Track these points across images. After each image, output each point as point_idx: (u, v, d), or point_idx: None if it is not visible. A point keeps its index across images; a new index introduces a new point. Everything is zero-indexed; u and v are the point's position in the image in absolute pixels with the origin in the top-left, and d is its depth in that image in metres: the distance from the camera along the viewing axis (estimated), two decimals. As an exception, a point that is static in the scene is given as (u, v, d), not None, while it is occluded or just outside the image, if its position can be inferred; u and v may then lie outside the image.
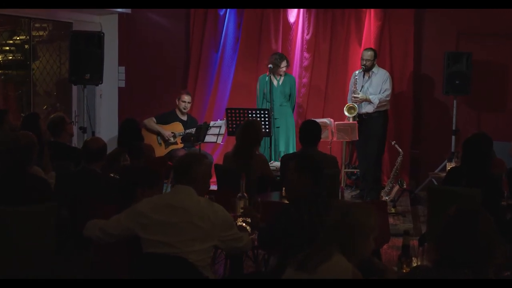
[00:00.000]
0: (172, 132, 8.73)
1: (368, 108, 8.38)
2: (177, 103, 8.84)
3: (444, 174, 6.69)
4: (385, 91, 8.35)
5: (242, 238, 3.93)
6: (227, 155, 6.24)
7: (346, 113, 8.43)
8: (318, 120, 8.30)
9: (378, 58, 8.81)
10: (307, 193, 3.99)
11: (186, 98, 8.85)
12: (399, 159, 8.31)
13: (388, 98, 8.38)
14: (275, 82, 8.65)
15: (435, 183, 8.27)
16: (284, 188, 5.34)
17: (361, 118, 8.43)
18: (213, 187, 8.37)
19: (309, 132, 6.17)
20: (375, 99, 8.27)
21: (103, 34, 8.32)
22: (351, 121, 8.46)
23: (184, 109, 8.83)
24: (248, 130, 6.10)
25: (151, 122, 8.79)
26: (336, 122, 8.39)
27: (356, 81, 8.41)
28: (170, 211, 3.76)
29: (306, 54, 9.45)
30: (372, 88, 8.38)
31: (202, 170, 3.92)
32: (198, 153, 4.16)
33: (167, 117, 8.87)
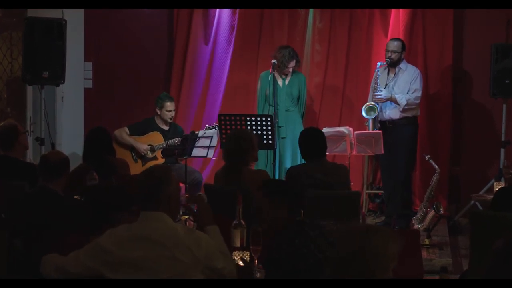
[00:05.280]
0: (149, 145, 8.74)
1: (392, 113, 8.40)
2: (159, 113, 8.83)
3: (491, 197, 6.70)
4: (414, 91, 8.36)
5: (232, 273, 3.94)
6: (219, 174, 6.28)
7: (364, 115, 8.43)
8: (334, 129, 8.42)
9: (409, 51, 8.84)
10: (285, 224, 4.15)
11: (170, 105, 8.81)
12: (434, 178, 8.32)
13: (417, 101, 8.39)
14: (280, 82, 8.67)
15: (480, 207, 8.28)
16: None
17: (385, 127, 8.44)
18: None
19: (313, 141, 6.29)
20: (402, 99, 8.28)
21: (65, 21, 8.33)
22: (370, 125, 8.44)
23: (171, 119, 8.83)
24: (238, 141, 6.14)
25: (123, 133, 8.78)
26: (356, 132, 8.41)
27: (378, 75, 8.44)
28: (140, 244, 3.72)
29: (318, 47, 9.48)
30: (398, 88, 8.39)
31: (173, 189, 3.93)
32: (164, 167, 4.15)
33: (144, 126, 8.86)
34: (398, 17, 9.24)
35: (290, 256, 4.02)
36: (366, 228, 3.12)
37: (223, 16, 9.60)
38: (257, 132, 7.80)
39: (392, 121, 8.42)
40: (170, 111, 8.80)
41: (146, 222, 3.80)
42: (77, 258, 3.81)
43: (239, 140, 6.15)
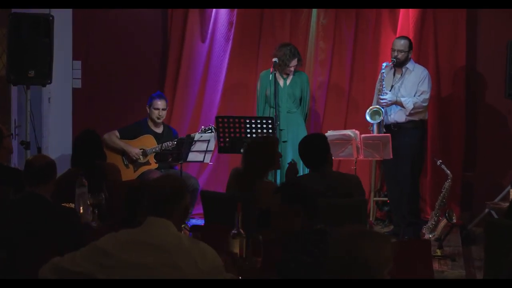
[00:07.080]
0: (141, 149, 8.73)
1: (398, 116, 8.39)
2: (148, 112, 8.84)
3: (506, 204, 6.72)
4: (421, 93, 8.35)
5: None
6: (235, 173, 6.34)
7: (368, 119, 8.43)
8: (339, 133, 8.41)
9: (419, 50, 8.84)
10: (303, 232, 4.20)
11: (160, 103, 8.82)
12: (446, 185, 8.32)
13: (425, 104, 8.39)
14: (281, 82, 8.67)
15: (495, 216, 8.29)
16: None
17: (389, 130, 8.44)
18: (200, 221, 8.42)
19: (313, 149, 6.29)
20: (409, 102, 8.28)
21: (53, 17, 8.33)
22: (375, 130, 8.44)
23: (158, 118, 8.81)
24: (265, 149, 6.21)
25: (113, 137, 8.77)
26: (362, 135, 8.40)
27: (383, 76, 8.43)
28: (142, 249, 3.74)
29: (322, 44, 9.48)
30: (405, 90, 8.39)
31: (188, 200, 4.00)
32: (180, 176, 4.18)
33: (136, 129, 8.85)
34: (407, 14, 9.22)
35: (308, 266, 4.04)
36: (357, 234, 3.14)
37: (220, 12, 9.58)
38: (257, 135, 7.82)
39: (397, 125, 8.42)
40: (158, 109, 8.78)
41: (149, 227, 3.82)
42: (73, 260, 3.81)
43: (267, 147, 6.22)
